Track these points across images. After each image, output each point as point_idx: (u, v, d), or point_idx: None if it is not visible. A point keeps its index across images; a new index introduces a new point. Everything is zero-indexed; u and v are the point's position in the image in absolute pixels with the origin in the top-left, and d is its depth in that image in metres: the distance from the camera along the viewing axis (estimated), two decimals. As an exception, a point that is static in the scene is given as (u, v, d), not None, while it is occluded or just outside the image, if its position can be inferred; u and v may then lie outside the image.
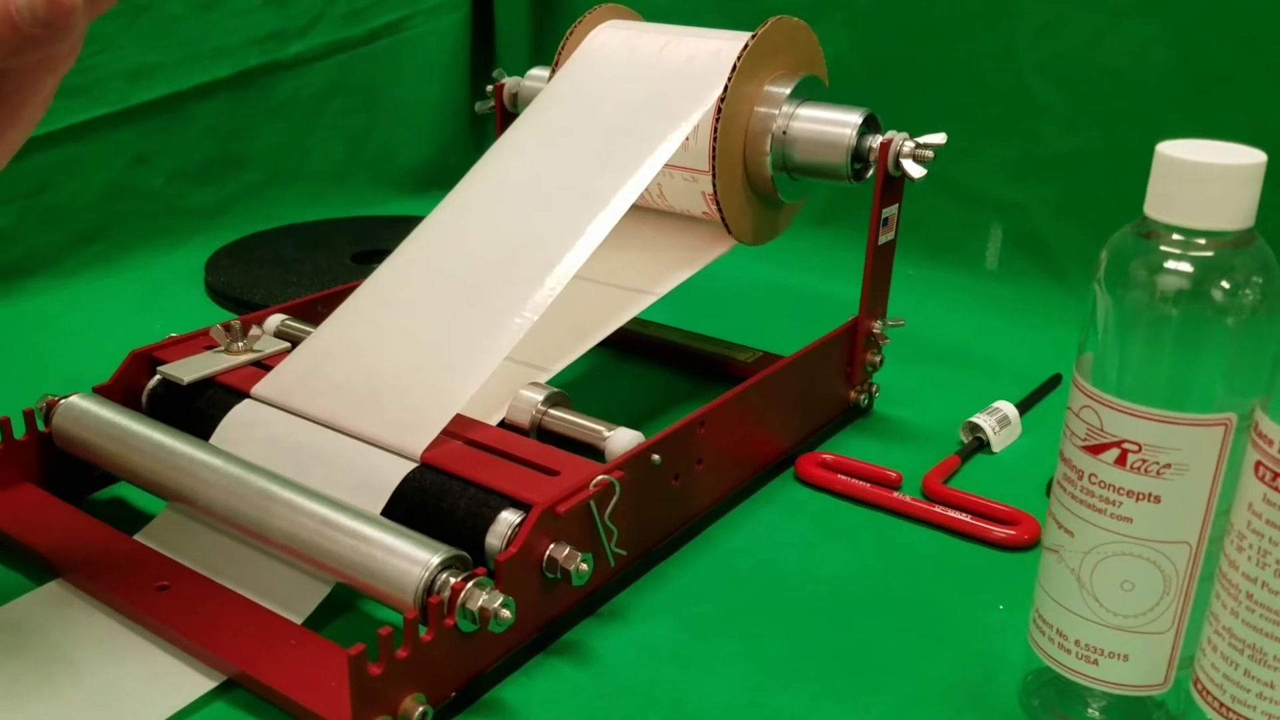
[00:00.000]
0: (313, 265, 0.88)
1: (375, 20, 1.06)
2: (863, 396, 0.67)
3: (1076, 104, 0.85)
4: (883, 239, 0.63)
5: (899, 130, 0.61)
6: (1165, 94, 0.81)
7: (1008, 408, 0.66)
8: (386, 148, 1.10)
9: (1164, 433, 0.36)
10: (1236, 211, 0.35)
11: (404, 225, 0.99)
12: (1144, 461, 0.37)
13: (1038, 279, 0.88)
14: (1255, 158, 0.35)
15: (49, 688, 0.42)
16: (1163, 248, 0.36)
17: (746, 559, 0.53)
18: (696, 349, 0.73)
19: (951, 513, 0.56)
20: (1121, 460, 0.37)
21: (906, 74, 0.92)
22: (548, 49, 1.16)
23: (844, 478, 0.59)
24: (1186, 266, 0.36)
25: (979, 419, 0.64)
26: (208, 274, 0.86)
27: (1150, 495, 0.37)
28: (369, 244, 0.94)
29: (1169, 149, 0.35)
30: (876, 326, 0.65)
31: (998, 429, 0.64)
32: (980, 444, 0.64)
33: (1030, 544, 0.54)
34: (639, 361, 0.75)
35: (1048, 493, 0.59)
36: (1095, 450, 0.38)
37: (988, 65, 0.88)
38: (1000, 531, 0.54)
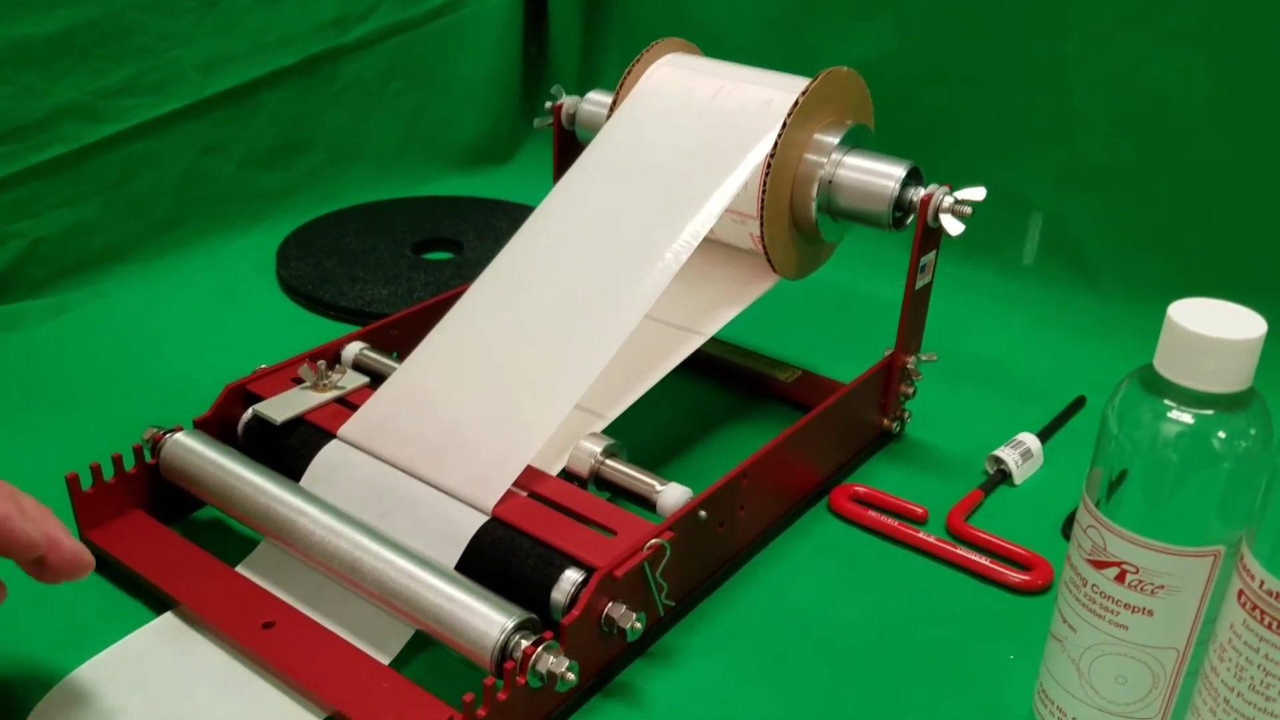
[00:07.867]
0: (376, 256, 0.93)
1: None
2: (895, 424, 0.71)
3: (1119, 121, 0.87)
4: (919, 283, 0.67)
5: (940, 183, 0.64)
6: (1206, 119, 0.83)
7: (1030, 440, 0.70)
8: (441, 124, 1.13)
9: (1159, 560, 0.41)
10: (1237, 377, 0.39)
11: (458, 208, 1.05)
12: (1140, 581, 0.42)
13: (1071, 286, 0.91)
14: (1256, 330, 0.38)
15: (175, 720, 0.49)
16: (1166, 401, 0.40)
17: (781, 601, 0.59)
18: (738, 365, 0.78)
19: (972, 555, 0.61)
20: (1120, 578, 0.42)
21: (955, 76, 0.93)
22: (598, 22, 1.18)
23: (874, 514, 0.64)
24: (1188, 419, 0.40)
25: (1003, 452, 0.69)
26: (279, 265, 0.91)
27: (1144, 609, 0.42)
28: (427, 231, 0.98)
29: (1179, 316, 0.39)
30: (911, 362, 0.69)
31: (1020, 462, 0.68)
32: (1004, 475, 0.68)
33: (1044, 589, 0.59)
34: (680, 374, 0.79)
35: (1063, 532, 0.64)
36: (1098, 565, 0.43)
37: (1036, 77, 0.89)
38: (1016, 576, 0.60)
